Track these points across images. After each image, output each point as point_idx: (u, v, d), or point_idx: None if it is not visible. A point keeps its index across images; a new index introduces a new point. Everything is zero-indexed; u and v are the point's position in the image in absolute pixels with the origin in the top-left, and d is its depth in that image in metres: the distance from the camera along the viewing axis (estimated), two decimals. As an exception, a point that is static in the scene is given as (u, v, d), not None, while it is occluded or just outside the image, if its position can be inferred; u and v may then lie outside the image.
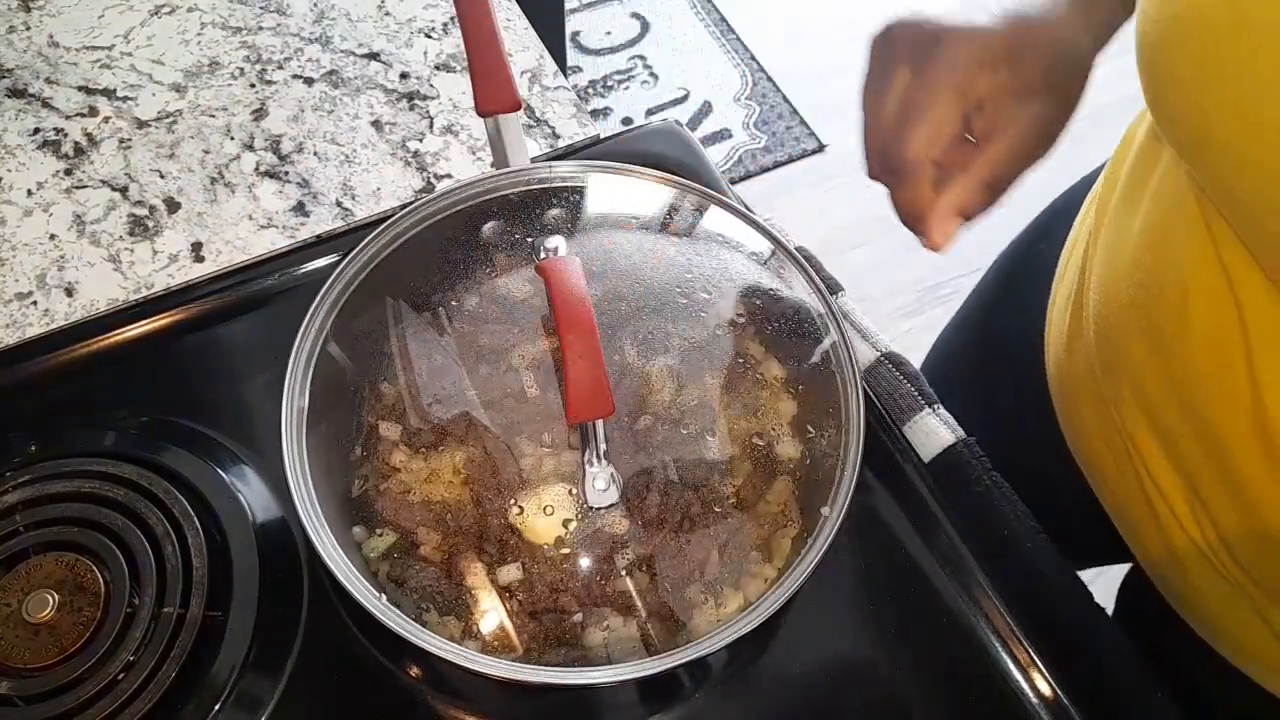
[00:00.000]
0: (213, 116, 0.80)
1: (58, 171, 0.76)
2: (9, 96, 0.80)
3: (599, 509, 0.51)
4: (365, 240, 0.57)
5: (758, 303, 0.60)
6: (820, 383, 0.57)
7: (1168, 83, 0.42)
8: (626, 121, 2.25)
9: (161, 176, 0.76)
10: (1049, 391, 0.68)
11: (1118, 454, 0.60)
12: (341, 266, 0.57)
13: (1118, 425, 0.59)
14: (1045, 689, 0.56)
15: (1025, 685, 0.56)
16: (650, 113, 2.29)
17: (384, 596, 0.49)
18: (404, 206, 0.60)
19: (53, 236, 0.73)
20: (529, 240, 0.59)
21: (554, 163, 0.61)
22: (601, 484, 0.51)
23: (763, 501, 0.58)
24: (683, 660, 0.47)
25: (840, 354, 0.56)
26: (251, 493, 0.60)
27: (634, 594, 0.52)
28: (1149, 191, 0.54)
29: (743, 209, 0.61)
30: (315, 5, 0.86)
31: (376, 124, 0.80)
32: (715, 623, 0.50)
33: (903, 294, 2.03)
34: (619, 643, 0.51)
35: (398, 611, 0.48)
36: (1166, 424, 0.54)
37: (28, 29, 0.84)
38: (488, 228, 0.60)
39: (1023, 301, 0.73)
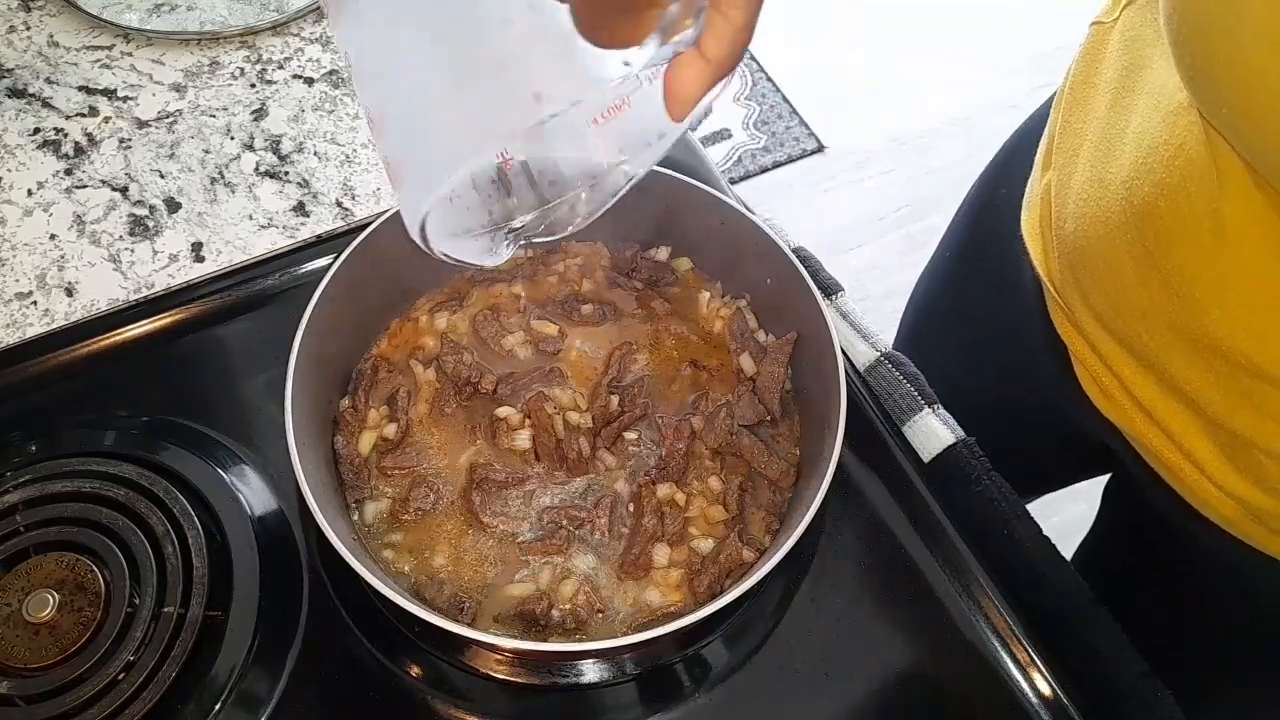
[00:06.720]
0: (213, 116, 0.80)
1: (58, 171, 0.76)
2: (9, 96, 0.80)
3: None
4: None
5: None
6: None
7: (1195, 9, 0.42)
8: (627, 121, 2.24)
9: (162, 176, 0.76)
10: (1030, 316, 0.68)
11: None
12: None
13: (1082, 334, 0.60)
14: (1045, 689, 0.56)
15: (1025, 685, 0.56)
16: (650, 113, 2.29)
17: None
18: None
19: (53, 236, 0.73)
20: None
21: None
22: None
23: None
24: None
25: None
26: (251, 492, 0.60)
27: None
28: (1130, 134, 0.54)
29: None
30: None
31: (376, 124, 0.80)
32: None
33: (903, 294, 2.02)
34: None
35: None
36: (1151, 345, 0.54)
37: (28, 29, 0.84)
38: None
39: (994, 233, 0.73)
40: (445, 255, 0.41)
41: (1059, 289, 0.62)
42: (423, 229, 0.38)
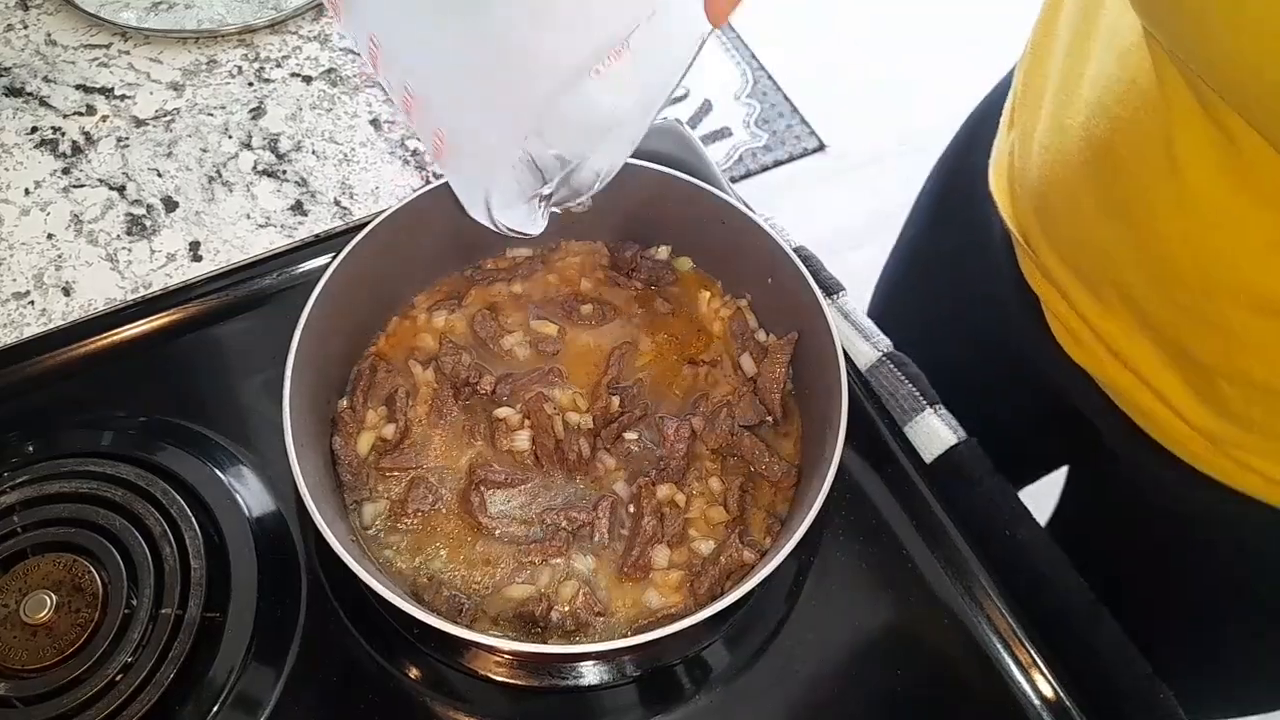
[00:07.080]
0: (211, 115, 0.80)
1: (55, 170, 0.76)
2: (6, 95, 0.80)
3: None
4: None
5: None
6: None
7: None
8: (626, 120, 2.24)
9: (159, 175, 0.76)
10: (1001, 272, 0.69)
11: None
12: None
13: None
14: (1045, 689, 0.55)
15: (1025, 685, 0.56)
16: (650, 111, 2.28)
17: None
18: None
19: (50, 236, 0.72)
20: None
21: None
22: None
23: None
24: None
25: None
26: (249, 493, 0.60)
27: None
28: (1088, 78, 0.55)
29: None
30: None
31: (375, 122, 0.80)
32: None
33: (903, 293, 2.02)
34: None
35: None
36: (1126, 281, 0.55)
37: (25, 27, 0.84)
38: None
39: (964, 197, 0.74)
40: (506, 228, 0.41)
41: (1026, 237, 0.63)
42: (487, 202, 0.38)
